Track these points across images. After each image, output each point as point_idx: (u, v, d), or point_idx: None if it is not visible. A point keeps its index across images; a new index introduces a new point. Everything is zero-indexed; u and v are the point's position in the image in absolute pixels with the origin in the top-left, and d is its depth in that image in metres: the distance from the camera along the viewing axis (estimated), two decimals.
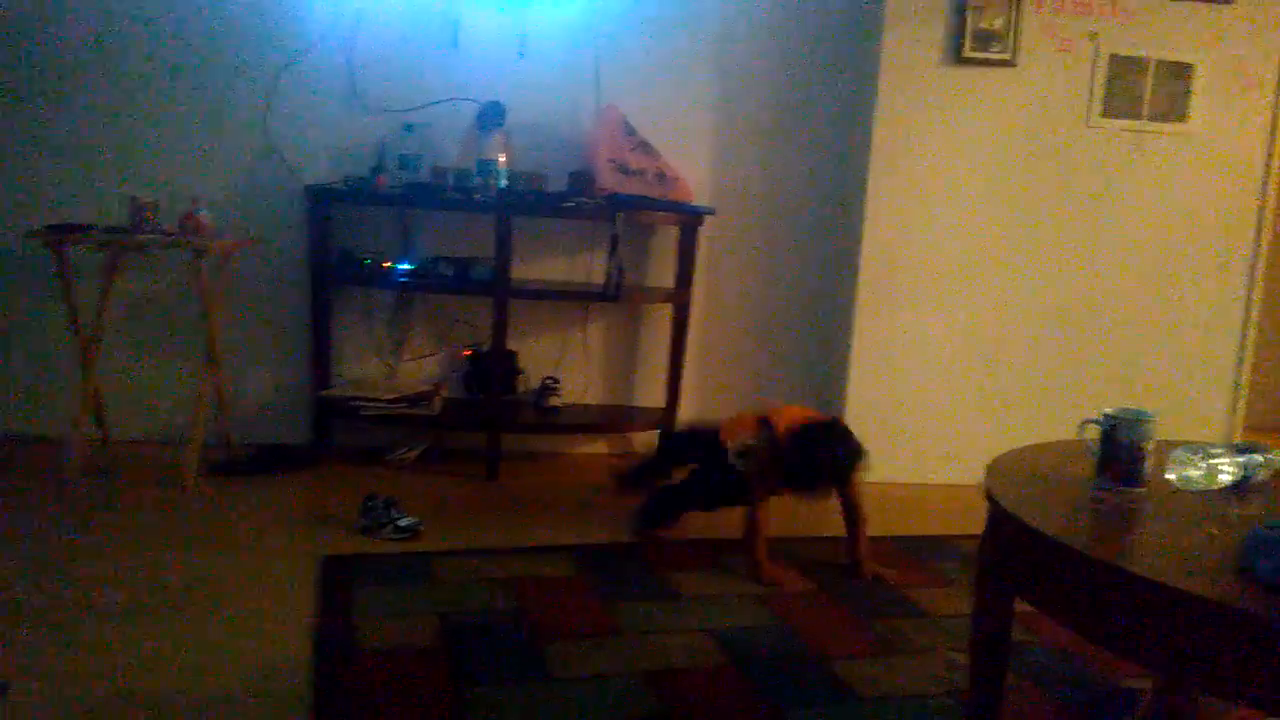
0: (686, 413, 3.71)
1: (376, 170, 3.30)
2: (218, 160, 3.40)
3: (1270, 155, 3.70)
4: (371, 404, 3.33)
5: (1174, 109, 3.61)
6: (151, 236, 3.04)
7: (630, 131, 3.46)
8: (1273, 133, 3.70)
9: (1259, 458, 1.72)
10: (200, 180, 3.34)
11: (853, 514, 2.73)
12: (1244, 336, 3.79)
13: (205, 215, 3.11)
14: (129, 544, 2.58)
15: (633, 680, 1.99)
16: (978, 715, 1.69)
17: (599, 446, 3.79)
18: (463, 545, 2.70)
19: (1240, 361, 3.79)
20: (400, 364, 3.62)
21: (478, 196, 3.24)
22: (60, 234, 3.03)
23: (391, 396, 3.37)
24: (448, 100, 3.43)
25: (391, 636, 2.12)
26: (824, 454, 2.55)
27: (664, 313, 3.67)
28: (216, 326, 3.20)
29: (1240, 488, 1.68)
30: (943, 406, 3.62)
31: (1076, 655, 2.20)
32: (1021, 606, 1.60)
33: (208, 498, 2.97)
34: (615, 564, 2.64)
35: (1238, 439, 3.67)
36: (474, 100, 3.40)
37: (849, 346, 3.56)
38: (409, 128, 3.36)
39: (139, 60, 3.32)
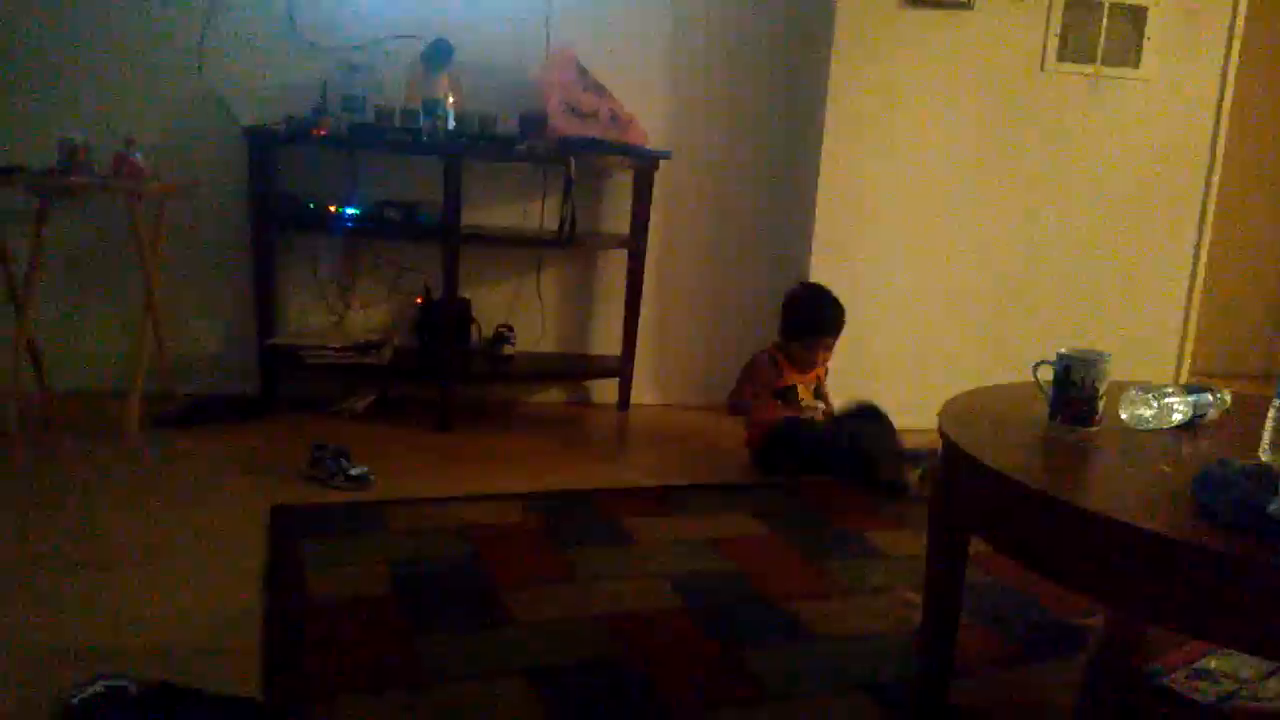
0: (642, 359, 3.69)
1: (319, 111, 3.18)
2: (152, 100, 3.26)
3: (1221, 101, 3.73)
4: (319, 353, 3.25)
5: (1128, 54, 3.61)
6: (84, 179, 2.92)
7: (583, 72, 3.37)
8: (1224, 79, 3.72)
9: (1209, 398, 1.74)
10: (133, 121, 3.19)
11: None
12: (1193, 282, 3.85)
13: (140, 158, 2.98)
14: (71, 496, 2.50)
15: (588, 624, 1.98)
16: (931, 652, 1.71)
17: (554, 395, 3.76)
18: (415, 494, 2.66)
19: (1189, 306, 3.86)
20: (349, 312, 3.54)
21: (425, 139, 3.15)
22: None
23: (340, 345, 3.29)
24: (392, 37, 3.31)
25: (343, 586, 2.08)
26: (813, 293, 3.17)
27: (619, 259, 3.62)
28: (155, 273, 3.09)
29: (1191, 427, 1.69)
30: (899, 350, 3.63)
31: (1029, 594, 2.23)
32: (976, 547, 1.61)
33: (151, 449, 2.89)
34: (570, 511, 2.61)
35: (1184, 382, 3.74)
36: (420, 38, 3.28)
37: None
38: (352, 67, 3.24)
39: None
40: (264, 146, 3.21)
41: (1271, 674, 1.81)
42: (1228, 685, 1.78)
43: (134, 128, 3.14)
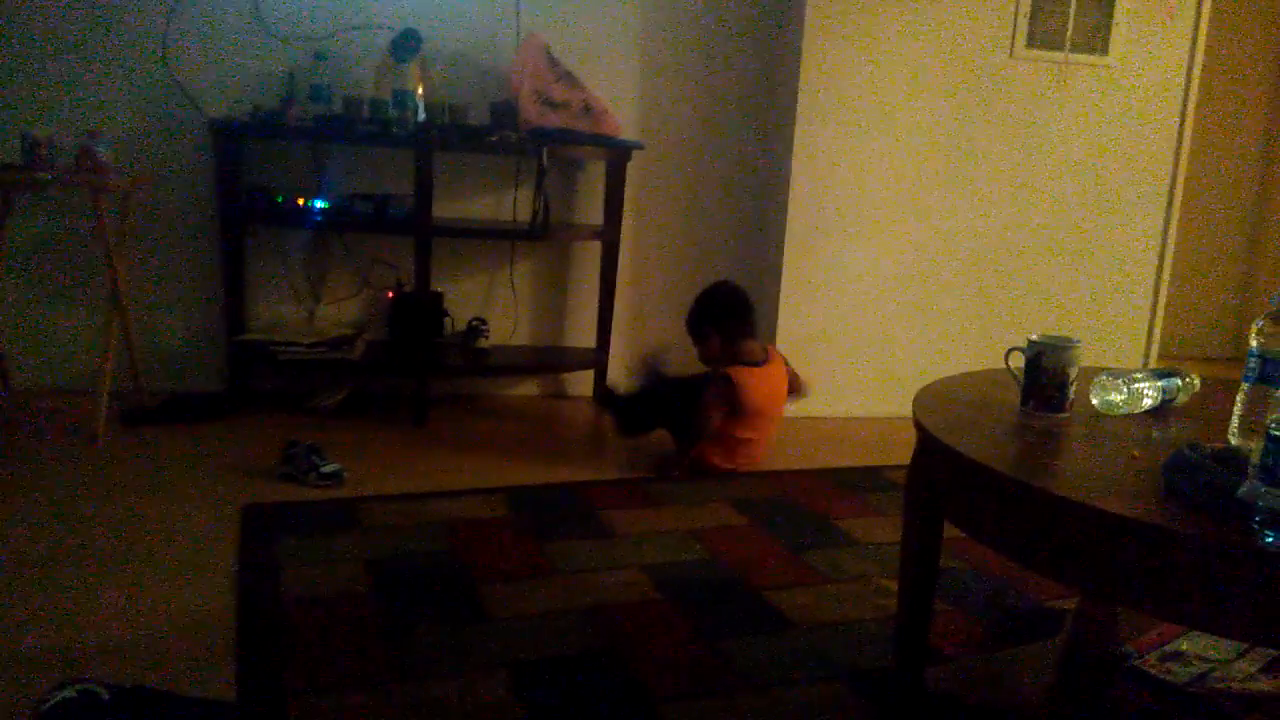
0: (618, 351, 3.68)
1: (286, 102, 3.14)
2: (115, 93, 3.20)
3: (1188, 88, 3.77)
4: (289, 348, 3.22)
5: (1096, 40, 3.63)
6: (47, 175, 2.86)
7: (554, 62, 3.35)
8: (1190, 66, 3.75)
9: (1178, 382, 1.75)
10: (97, 114, 3.14)
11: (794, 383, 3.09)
12: (1160, 266, 3.89)
13: (103, 152, 2.92)
14: (40, 495, 2.46)
15: (569, 618, 1.97)
16: (906, 639, 1.71)
17: (529, 388, 3.74)
18: (390, 490, 2.64)
19: (1156, 290, 3.90)
20: (319, 307, 3.50)
21: (395, 130, 3.11)
22: None
23: (311, 340, 3.26)
24: (360, 27, 3.27)
25: (318, 583, 2.07)
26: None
27: (593, 250, 3.60)
28: (121, 269, 3.04)
29: (1161, 411, 1.71)
30: (872, 338, 3.64)
31: (1002, 580, 2.25)
32: (950, 533, 1.62)
33: (120, 447, 2.85)
34: (548, 504, 2.61)
35: (1153, 366, 3.78)
36: (388, 27, 3.24)
37: (779, 280, 3.55)
38: (320, 56, 3.20)
39: None
40: (231, 139, 3.17)
41: (1242, 655, 1.84)
42: (1199, 667, 1.80)
43: (98, 121, 3.09)
